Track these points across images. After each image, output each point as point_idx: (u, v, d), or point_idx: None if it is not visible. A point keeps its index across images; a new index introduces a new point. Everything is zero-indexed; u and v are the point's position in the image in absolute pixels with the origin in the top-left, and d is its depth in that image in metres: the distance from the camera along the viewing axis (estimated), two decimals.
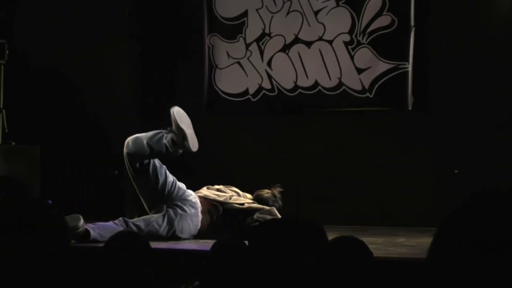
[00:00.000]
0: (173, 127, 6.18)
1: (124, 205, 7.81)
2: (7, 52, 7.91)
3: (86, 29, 8.11)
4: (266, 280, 2.52)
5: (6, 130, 7.76)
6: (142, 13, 8.18)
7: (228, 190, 6.62)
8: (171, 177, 6.26)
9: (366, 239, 3.04)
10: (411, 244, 5.90)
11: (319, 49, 7.77)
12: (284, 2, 7.85)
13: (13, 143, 7.74)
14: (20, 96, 8.11)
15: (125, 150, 6.11)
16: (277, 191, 6.65)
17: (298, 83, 7.81)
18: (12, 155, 7.60)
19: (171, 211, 6.12)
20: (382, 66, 7.57)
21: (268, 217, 6.07)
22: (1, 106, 7.82)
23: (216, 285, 3.03)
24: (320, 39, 7.77)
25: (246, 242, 2.94)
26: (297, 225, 2.54)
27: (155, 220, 6.04)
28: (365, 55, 7.64)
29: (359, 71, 7.65)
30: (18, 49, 8.03)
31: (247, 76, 7.96)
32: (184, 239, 6.11)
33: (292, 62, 7.84)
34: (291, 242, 2.52)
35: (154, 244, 3.50)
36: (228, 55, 8.00)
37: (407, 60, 7.49)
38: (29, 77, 8.21)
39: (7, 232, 2.09)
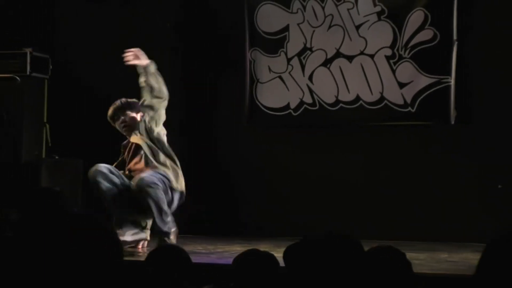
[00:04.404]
0: None
1: None
2: (51, 67, 8.00)
3: (128, 44, 8.15)
4: None
5: (50, 144, 7.83)
6: (184, 27, 8.22)
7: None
8: None
9: (408, 255, 3.01)
10: (454, 260, 5.84)
11: (361, 64, 7.74)
12: (325, 17, 7.84)
13: (56, 157, 7.82)
14: (63, 111, 8.19)
15: None
16: None
17: (340, 98, 7.79)
18: (55, 169, 7.68)
19: None
20: (424, 80, 7.52)
21: None
22: (45, 121, 7.91)
23: None
24: (362, 53, 7.75)
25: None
26: (334, 241, 2.51)
27: None
28: (407, 69, 7.59)
29: (401, 85, 7.61)
30: (61, 63, 8.12)
31: (288, 90, 7.94)
32: None
33: (333, 77, 7.82)
34: (329, 259, 2.49)
35: (196, 259, 3.50)
36: (270, 69, 8.00)
37: (450, 74, 7.44)
38: (72, 92, 8.28)
39: (52, 244, 2.07)
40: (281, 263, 3.28)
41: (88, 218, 2.16)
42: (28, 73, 7.82)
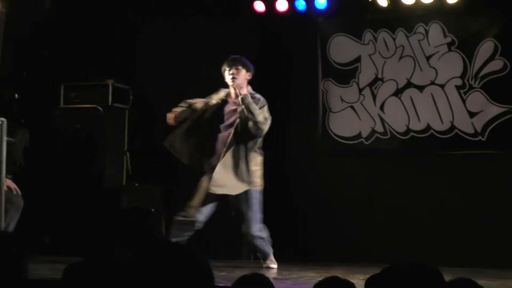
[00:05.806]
0: None
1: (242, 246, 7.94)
2: (131, 97, 8.27)
3: (205, 75, 8.36)
4: None
5: (130, 172, 8.07)
6: (259, 58, 8.39)
7: None
8: None
9: (480, 282, 3.04)
10: None
11: (431, 93, 7.86)
12: (396, 48, 7.99)
13: (136, 184, 8.03)
14: (143, 139, 8.41)
15: None
16: None
17: (411, 127, 7.91)
18: (135, 195, 7.89)
19: None
20: (495, 109, 7.60)
21: None
22: (125, 149, 8.16)
23: None
24: (432, 83, 7.87)
25: None
26: (417, 271, 2.58)
27: None
28: (477, 99, 7.69)
29: (471, 114, 7.70)
30: (141, 94, 8.37)
31: (360, 119, 8.10)
32: None
33: (404, 106, 7.94)
34: None
35: (278, 286, 3.64)
36: (342, 99, 8.17)
37: None
38: (151, 121, 8.50)
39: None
40: None
41: (178, 246, 2.34)
42: (109, 103, 8.10)
